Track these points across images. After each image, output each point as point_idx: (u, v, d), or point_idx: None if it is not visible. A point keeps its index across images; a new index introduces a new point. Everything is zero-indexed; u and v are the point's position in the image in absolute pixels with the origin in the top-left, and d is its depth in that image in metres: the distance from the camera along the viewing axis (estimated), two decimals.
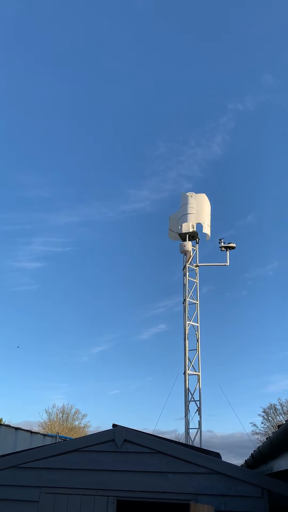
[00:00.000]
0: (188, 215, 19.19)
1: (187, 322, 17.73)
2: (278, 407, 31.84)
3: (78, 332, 55.58)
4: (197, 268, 19.03)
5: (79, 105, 55.02)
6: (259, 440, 27.74)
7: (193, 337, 17.73)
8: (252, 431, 31.98)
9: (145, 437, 5.62)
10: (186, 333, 17.54)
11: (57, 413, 35.01)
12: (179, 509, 5.98)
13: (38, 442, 14.50)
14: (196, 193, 19.78)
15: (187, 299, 18.13)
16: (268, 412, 32.31)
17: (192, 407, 16.56)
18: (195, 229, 18.98)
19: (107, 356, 53.91)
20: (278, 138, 52.67)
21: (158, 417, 31.45)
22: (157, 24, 50.20)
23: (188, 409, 16.47)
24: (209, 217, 19.58)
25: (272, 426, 30.48)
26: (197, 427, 16.16)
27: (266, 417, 32.40)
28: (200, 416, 16.36)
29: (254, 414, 47.37)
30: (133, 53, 52.12)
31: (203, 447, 11.29)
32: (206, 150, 52.90)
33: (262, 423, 32.65)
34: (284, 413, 31.26)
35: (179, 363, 17.75)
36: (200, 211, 19.33)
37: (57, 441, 14.96)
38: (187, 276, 18.61)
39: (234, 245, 19.22)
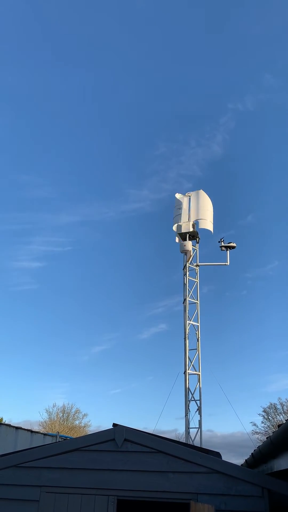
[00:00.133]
0: (188, 214, 19.16)
1: (188, 322, 17.72)
2: (278, 406, 31.90)
3: (79, 331, 55.66)
4: (197, 268, 19.01)
5: (79, 105, 55.06)
6: (259, 439, 27.77)
7: (193, 336, 17.72)
8: (252, 430, 32.03)
9: (145, 436, 5.62)
10: (187, 333, 17.52)
11: (57, 413, 35.06)
12: (180, 508, 5.99)
13: (38, 441, 14.50)
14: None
15: (187, 299, 18.11)
16: (268, 412, 32.35)
17: (193, 406, 16.55)
18: (195, 229, 18.96)
19: (107, 355, 54.02)
20: (278, 138, 52.74)
21: (158, 416, 31.50)
22: (157, 24, 50.22)
23: (188, 408, 16.44)
24: (211, 213, 19.46)
25: (272, 425, 30.49)
26: (198, 426, 16.14)
27: (266, 416, 32.46)
28: (201, 416, 16.35)
29: (255, 414, 47.39)
30: (133, 53, 52.17)
31: (204, 446, 11.30)
32: (206, 150, 52.94)
33: (262, 422, 32.71)
34: (284, 412, 31.28)
35: (179, 362, 17.77)
36: (201, 206, 19.23)
37: (57, 441, 14.95)
38: (187, 275, 18.59)
39: (234, 244, 19.19)
